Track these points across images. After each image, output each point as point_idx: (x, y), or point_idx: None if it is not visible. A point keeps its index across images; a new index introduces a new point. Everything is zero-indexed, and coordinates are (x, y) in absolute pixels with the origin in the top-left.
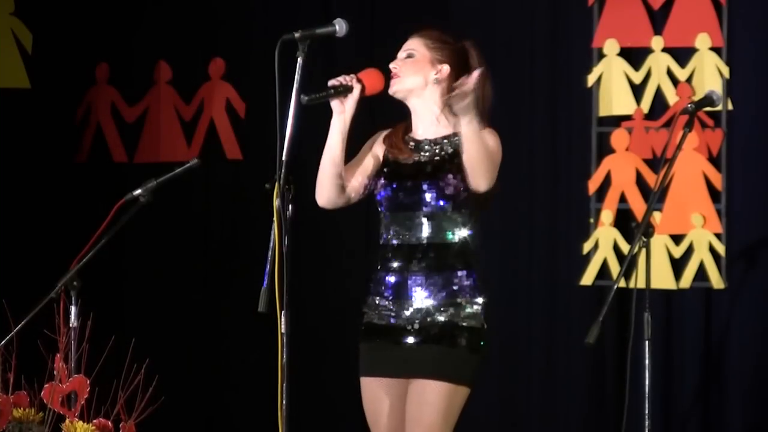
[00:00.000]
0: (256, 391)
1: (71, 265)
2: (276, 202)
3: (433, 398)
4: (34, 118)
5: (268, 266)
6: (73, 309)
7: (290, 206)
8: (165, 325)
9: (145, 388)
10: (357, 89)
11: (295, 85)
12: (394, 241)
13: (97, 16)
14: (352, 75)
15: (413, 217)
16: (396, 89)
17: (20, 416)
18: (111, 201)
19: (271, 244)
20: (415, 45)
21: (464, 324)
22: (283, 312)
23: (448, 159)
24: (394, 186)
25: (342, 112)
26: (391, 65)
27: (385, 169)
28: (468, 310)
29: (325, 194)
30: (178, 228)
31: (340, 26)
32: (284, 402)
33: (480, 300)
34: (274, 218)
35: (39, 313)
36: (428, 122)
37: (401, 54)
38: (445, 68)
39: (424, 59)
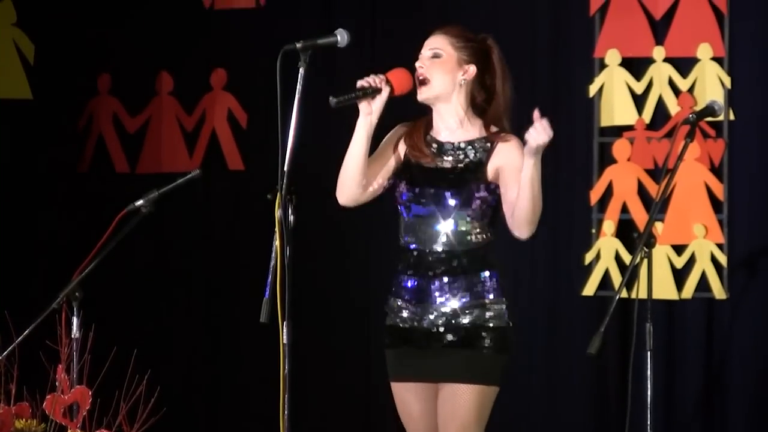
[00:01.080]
0: (258, 402)
1: (73, 276)
2: (278, 213)
3: (465, 401)
4: (37, 128)
5: (270, 277)
6: (74, 320)
7: (292, 216)
8: (167, 336)
9: (146, 399)
10: (386, 91)
11: (297, 95)
12: (415, 246)
13: (98, 27)
14: (381, 75)
15: (434, 224)
16: (426, 96)
17: (22, 427)
18: (113, 211)
19: (273, 255)
20: (440, 43)
21: (490, 324)
22: (284, 322)
23: (471, 168)
24: (416, 191)
25: (369, 114)
26: (418, 65)
27: (406, 173)
28: (492, 311)
29: (347, 193)
30: (179, 238)
31: (341, 36)
32: (286, 412)
33: (504, 299)
34: (276, 228)
35: (41, 324)
36: (453, 125)
37: (426, 52)
38: (472, 69)
39: (451, 59)
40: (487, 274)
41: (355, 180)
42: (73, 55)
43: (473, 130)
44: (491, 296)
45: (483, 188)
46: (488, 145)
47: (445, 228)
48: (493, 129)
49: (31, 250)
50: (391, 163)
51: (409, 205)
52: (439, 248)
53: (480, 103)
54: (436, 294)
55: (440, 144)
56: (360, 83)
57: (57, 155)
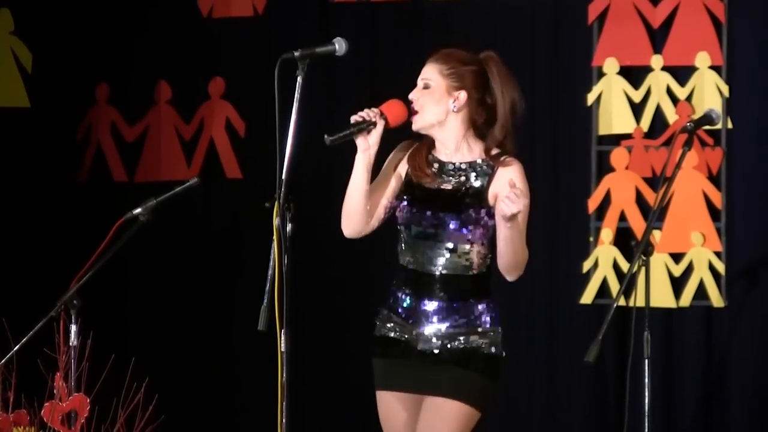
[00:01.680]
0: (257, 410)
1: (71, 284)
2: (276, 221)
3: (446, 416)
4: (35, 137)
5: (268, 285)
6: (73, 328)
7: (290, 225)
8: (165, 343)
9: (144, 406)
10: (381, 125)
11: (295, 104)
12: (414, 267)
13: (97, 36)
14: (375, 109)
15: (434, 247)
16: (419, 126)
17: None
18: (111, 220)
19: (271, 263)
20: (430, 73)
21: (485, 351)
22: (282, 330)
23: (472, 193)
24: (416, 213)
25: (367, 149)
26: (411, 97)
27: (407, 195)
28: (488, 338)
29: (351, 226)
30: (177, 247)
31: (339, 45)
32: (284, 420)
33: (499, 329)
34: (274, 237)
35: (39, 332)
36: (451, 148)
37: (419, 83)
38: (462, 95)
39: (440, 89)
40: (484, 303)
41: (359, 213)
42: (71, 64)
43: (474, 151)
44: (487, 325)
45: (484, 213)
46: (489, 169)
47: (444, 251)
48: (494, 151)
49: (30, 259)
50: (393, 187)
51: (409, 225)
52: (437, 271)
53: (481, 125)
54: (431, 317)
55: (442, 164)
56: (354, 118)
57: (55, 164)
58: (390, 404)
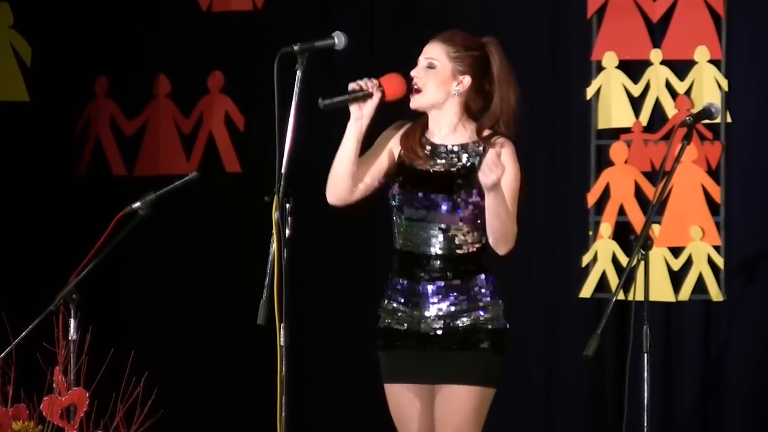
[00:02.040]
0: (256, 404)
1: (70, 278)
2: (275, 215)
3: (463, 402)
4: (34, 131)
5: (267, 279)
6: (72, 322)
7: (289, 219)
8: (164, 337)
9: (144, 400)
10: (377, 96)
11: (295, 98)
12: (409, 250)
13: (96, 30)
14: (374, 79)
15: (427, 228)
16: (418, 105)
17: (19, 429)
18: (110, 214)
19: (270, 257)
20: (436, 53)
21: (487, 326)
22: (282, 324)
23: (464, 174)
24: (409, 195)
25: (360, 118)
26: (413, 74)
27: (400, 176)
28: (489, 312)
29: (336, 193)
30: (177, 241)
31: (339, 39)
32: (283, 415)
33: (500, 301)
34: (273, 231)
35: (38, 326)
36: (446, 130)
37: (422, 61)
38: (467, 80)
39: (445, 70)
40: (482, 277)
41: (345, 182)
42: (70, 57)
43: (466, 133)
44: (487, 299)
45: (475, 194)
46: (481, 149)
47: (438, 232)
48: (486, 132)
49: (29, 253)
50: (383, 164)
51: (402, 208)
52: (432, 252)
53: (475, 111)
54: (431, 298)
55: (434, 146)
56: (352, 86)
57: (54, 158)
58: (401, 397)
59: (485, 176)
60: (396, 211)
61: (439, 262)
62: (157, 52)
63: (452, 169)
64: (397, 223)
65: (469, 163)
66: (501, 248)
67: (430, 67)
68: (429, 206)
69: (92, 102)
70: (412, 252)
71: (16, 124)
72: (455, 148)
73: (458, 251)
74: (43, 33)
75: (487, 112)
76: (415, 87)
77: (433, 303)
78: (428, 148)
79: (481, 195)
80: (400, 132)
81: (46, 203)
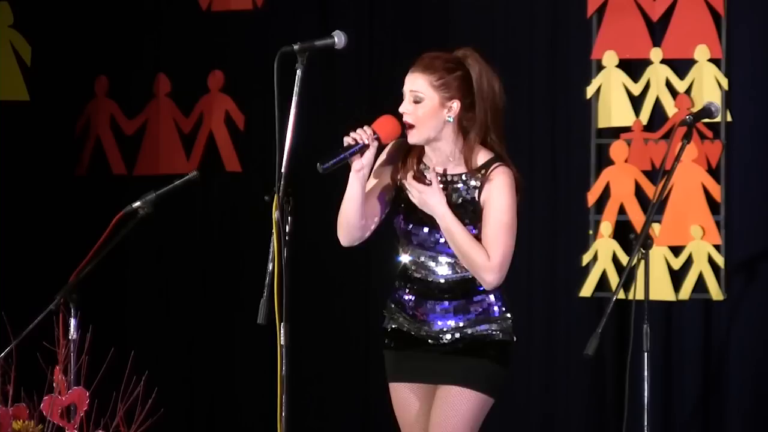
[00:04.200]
0: (256, 403)
1: (71, 278)
2: (275, 214)
3: (459, 405)
4: (34, 131)
5: (267, 278)
6: (72, 321)
7: (289, 218)
8: (164, 337)
9: (144, 400)
10: (374, 145)
11: (295, 98)
12: (417, 275)
13: (96, 29)
14: (367, 129)
15: (434, 258)
16: (416, 140)
17: (20, 428)
18: (110, 213)
19: (271, 256)
20: (419, 86)
21: (496, 338)
22: (282, 324)
23: (465, 208)
24: (411, 227)
25: (361, 169)
26: (402, 110)
27: (402, 205)
28: (498, 324)
29: (349, 238)
30: (177, 240)
31: (339, 38)
32: (284, 414)
33: (509, 315)
34: (274, 230)
35: (38, 326)
36: (443, 158)
37: (408, 95)
38: (456, 104)
39: (432, 101)
40: (494, 293)
41: (355, 228)
42: (70, 57)
43: (463, 164)
44: (497, 313)
45: (479, 226)
46: (479, 182)
47: (444, 263)
48: (483, 160)
49: (29, 252)
50: (386, 194)
51: (406, 238)
52: (441, 279)
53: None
54: (441, 315)
55: (438, 176)
56: (347, 140)
57: (54, 157)
58: (403, 395)
59: (415, 198)
60: (404, 238)
61: (447, 287)
62: (157, 51)
63: (453, 201)
64: (405, 250)
65: (469, 197)
66: (481, 280)
67: (417, 101)
68: (434, 241)
69: (92, 101)
70: (420, 278)
71: (16, 123)
72: (455, 178)
73: (466, 277)
74: (43, 32)
75: (474, 125)
76: (407, 123)
77: (442, 319)
78: (428, 177)
79: (479, 228)
80: (399, 153)
81: (46, 203)
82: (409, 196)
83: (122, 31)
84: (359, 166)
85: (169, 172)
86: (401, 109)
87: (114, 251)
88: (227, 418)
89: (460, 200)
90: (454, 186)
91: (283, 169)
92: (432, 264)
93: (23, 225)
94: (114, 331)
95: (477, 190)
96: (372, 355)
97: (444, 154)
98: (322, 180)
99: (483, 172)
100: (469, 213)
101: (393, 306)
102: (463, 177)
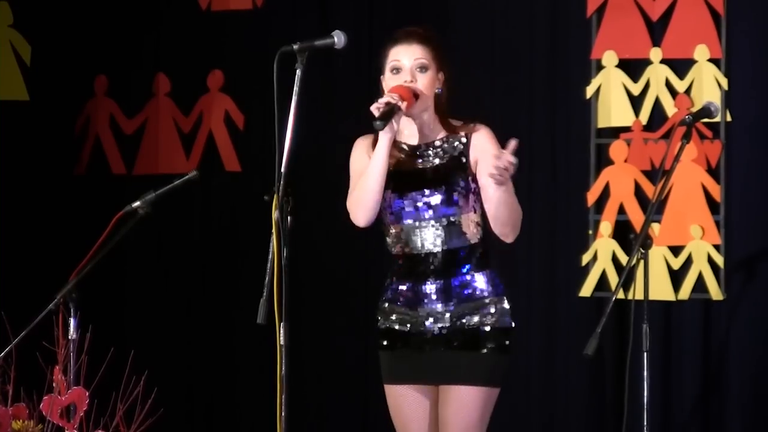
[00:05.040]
0: (256, 403)
1: (70, 277)
2: (275, 214)
3: (468, 403)
4: (33, 130)
5: (267, 278)
6: (72, 321)
7: (289, 218)
8: (164, 336)
9: (144, 399)
10: (403, 106)
11: (294, 97)
12: (406, 251)
13: (95, 29)
14: (393, 93)
15: (429, 226)
16: (418, 110)
17: (19, 428)
18: (110, 213)
19: (270, 256)
20: (424, 53)
21: (492, 325)
22: (282, 323)
23: (450, 164)
24: (405, 200)
25: (393, 131)
26: (406, 80)
27: (391, 182)
28: (493, 310)
29: (368, 214)
30: (176, 240)
31: (338, 38)
32: (284, 413)
33: (505, 298)
34: (273, 230)
35: (38, 325)
36: (424, 127)
37: (413, 62)
38: (441, 76)
39: (433, 71)
40: (483, 273)
41: (376, 199)
42: (70, 56)
43: (441, 129)
44: (491, 296)
45: (471, 180)
46: (463, 139)
47: (439, 227)
48: (456, 122)
49: (28, 252)
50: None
51: (399, 213)
52: (435, 249)
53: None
54: (435, 299)
55: (413, 147)
56: (382, 101)
57: (54, 157)
58: (402, 397)
59: (498, 179)
60: (393, 217)
61: (441, 259)
62: (156, 51)
63: (438, 162)
64: (395, 232)
65: (456, 154)
66: (509, 235)
67: (423, 68)
68: (428, 204)
69: (92, 101)
70: (414, 254)
71: (16, 123)
72: (437, 143)
73: (460, 244)
74: (42, 32)
75: (443, 94)
76: (417, 91)
77: (436, 305)
78: (406, 149)
79: (474, 181)
80: (371, 143)
81: (46, 202)
82: (494, 176)
83: (122, 30)
84: (392, 128)
85: (169, 172)
86: (404, 80)
87: (113, 251)
88: (227, 417)
89: (446, 159)
90: (441, 147)
91: (282, 169)
92: (426, 233)
93: (23, 224)
94: (114, 331)
95: (464, 146)
96: (372, 355)
97: (424, 124)
98: (322, 180)
99: (463, 132)
100: (459, 170)
101: (386, 306)
102: (445, 139)
